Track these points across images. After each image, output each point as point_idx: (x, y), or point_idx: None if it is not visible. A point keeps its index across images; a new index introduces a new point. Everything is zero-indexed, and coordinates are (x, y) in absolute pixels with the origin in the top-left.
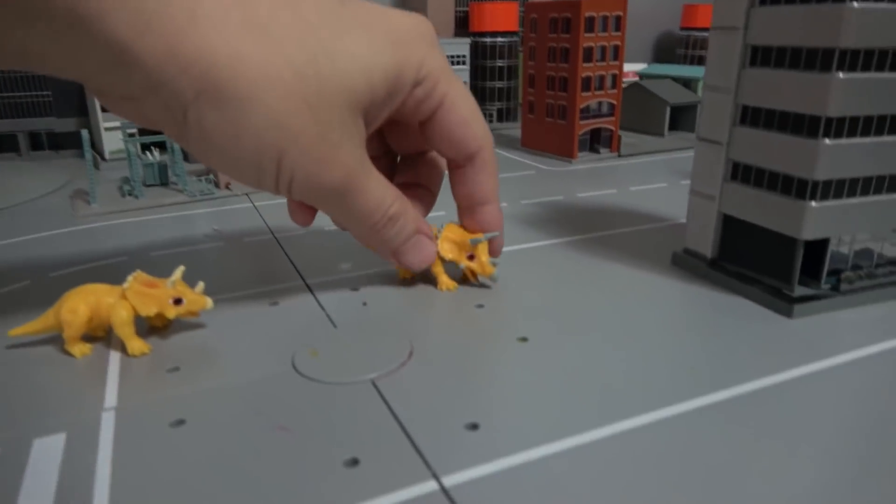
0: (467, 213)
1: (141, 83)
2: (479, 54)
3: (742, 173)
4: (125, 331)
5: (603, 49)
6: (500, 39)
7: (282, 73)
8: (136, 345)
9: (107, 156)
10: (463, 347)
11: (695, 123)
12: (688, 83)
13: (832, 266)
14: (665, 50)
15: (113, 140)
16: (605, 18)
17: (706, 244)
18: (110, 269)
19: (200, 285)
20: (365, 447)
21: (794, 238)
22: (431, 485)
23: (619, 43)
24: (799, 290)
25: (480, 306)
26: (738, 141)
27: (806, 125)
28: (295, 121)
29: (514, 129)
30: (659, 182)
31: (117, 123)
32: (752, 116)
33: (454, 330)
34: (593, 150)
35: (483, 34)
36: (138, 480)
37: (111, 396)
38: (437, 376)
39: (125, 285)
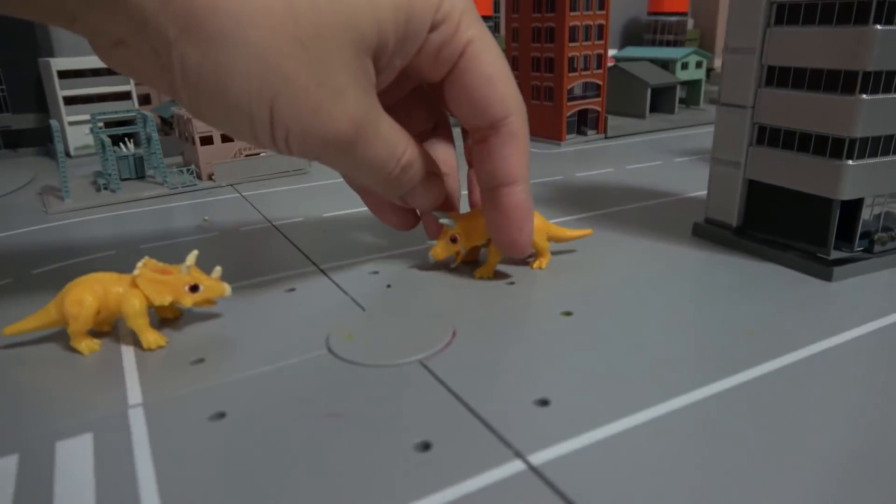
0: (489, 198)
1: (126, 22)
2: None
3: (769, 137)
4: (139, 322)
5: (588, 28)
6: None
7: (269, 6)
8: (151, 337)
9: (72, 151)
10: (506, 324)
11: (674, 104)
12: (665, 65)
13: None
14: (633, 35)
15: (78, 135)
16: None
17: (730, 212)
18: (98, 264)
19: (217, 270)
20: (433, 429)
21: (829, 199)
22: (517, 465)
23: (603, 22)
24: (834, 254)
25: (511, 283)
26: (764, 103)
27: (841, 82)
28: (286, 62)
29: None
30: (653, 160)
31: (83, 117)
32: (779, 77)
33: (492, 307)
34: (580, 132)
35: None
36: (188, 478)
37: (134, 393)
38: (488, 354)
39: (136, 272)
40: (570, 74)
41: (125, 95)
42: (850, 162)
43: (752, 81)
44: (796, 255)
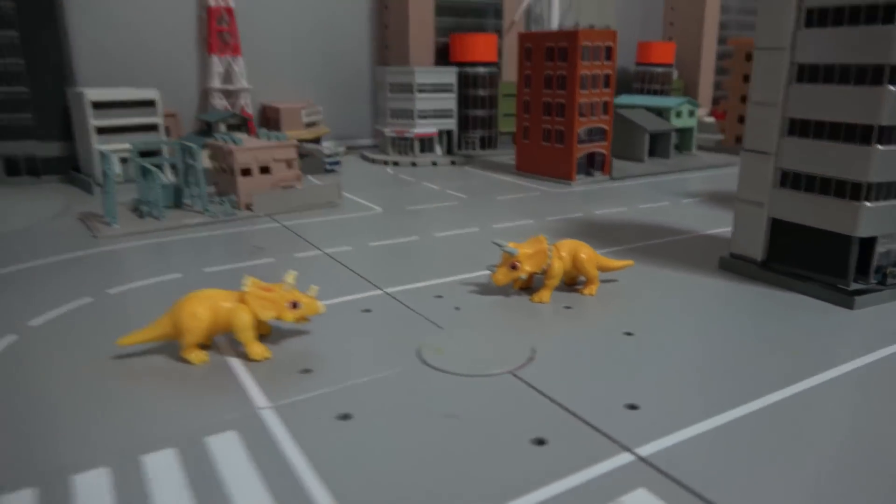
0: None
1: None
2: (462, 83)
3: (792, 180)
4: (248, 335)
5: (595, 77)
6: (480, 70)
7: None
8: (258, 349)
9: (101, 180)
10: (578, 342)
11: (669, 150)
12: (660, 112)
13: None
14: (622, 83)
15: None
16: (597, 49)
17: (755, 248)
18: (169, 286)
19: (314, 289)
20: (544, 428)
21: (849, 236)
22: (626, 456)
23: (610, 72)
24: (853, 285)
25: (568, 307)
26: (787, 151)
27: (858, 134)
28: None
29: (499, 156)
30: (661, 201)
31: (115, 147)
32: (801, 127)
33: (560, 328)
34: (588, 173)
35: (464, 64)
36: (337, 468)
37: (258, 397)
38: (570, 367)
39: (245, 289)
40: (581, 119)
41: (153, 127)
42: (868, 203)
43: (776, 131)
44: (819, 287)
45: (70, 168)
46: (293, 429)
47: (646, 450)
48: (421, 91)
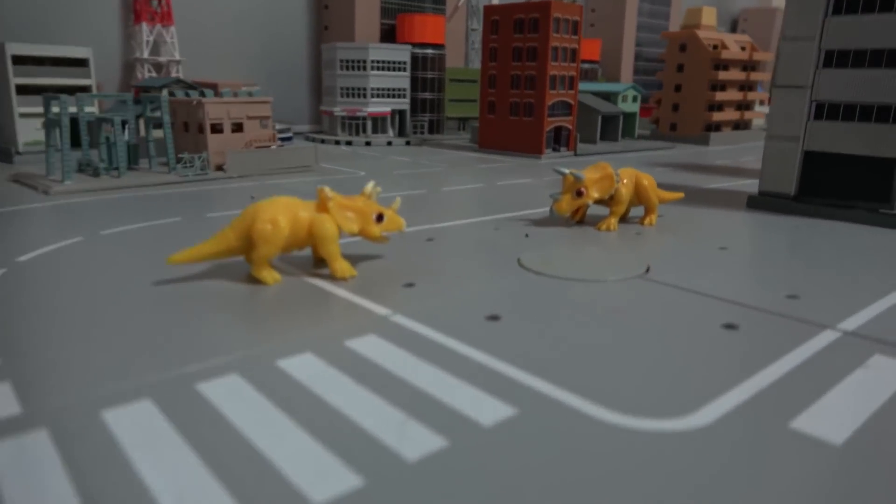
0: None
1: None
2: (411, 65)
3: (828, 111)
4: (332, 249)
5: (565, 50)
6: (429, 51)
7: None
8: (344, 265)
9: (20, 147)
10: (680, 256)
11: (618, 132)
12: (607, 97)
13: None
14: None
15: (28, 129)
16: (566, 21)
17: (787, 183)
18: (171, 227)
19: (397, 201)
20: (729, 316)
21: (892, 160)
22: (831, 333)
23: (576, 46)
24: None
25: (638, 234)
26: (824, 83)
27: None
28: None
29: (450, 140)
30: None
31: (36, 109)
32: (838, 59)
33: (650, 246)
34: (554, 149)
35: (413, 45)
36: (513, 353)
37: (375, 308)
38: (695, 274)
39: (328, 197)
40: (551, 92)
41: (84, 89)
42: None
43: (811, 64)
44: (863, 213)
45: None
46: (443, 327)
47: (847, 325)
48: (374, 69)
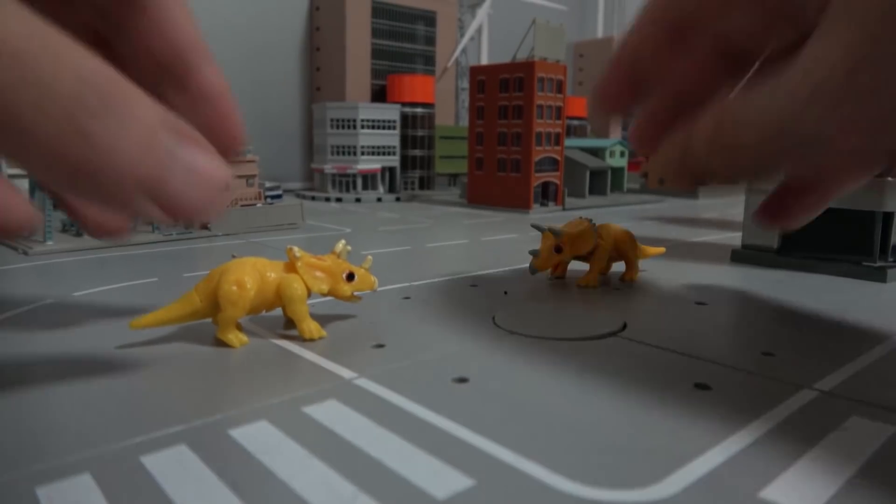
0: (177, 84)
1: None
2: (401, 124)
3: None
4: (300, 309)
5: (550, 108)
6: (419, 110)
7: None
8: (313, 326)
9: None
10: (657, 312)
11: (606, 187)
12: (595, 152)
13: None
14: None
15: None
16: (551, 81)
17: (770, 236)
18: (146, 288)
19: (368, 260)
20: (699, 376)
21: (873, 213)
22: (810, 393)
23: (561, 104)
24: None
25: (617, 289)
26: None
27: None
28: None
29: (440, 195)
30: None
31: (22, 170)
32: None
33: (627, 304)
34: (542, 203)
35: (403, 105)
36: (478, 418)
37: (340, 370)
38: (670, 333)
39: (296, 257)
40: (537, 148)
41: None
42: (890, 179)
43: None
44: (846, 266)
45: None
46: (407, 390)
47: (824, 384)
48: (364, 127)
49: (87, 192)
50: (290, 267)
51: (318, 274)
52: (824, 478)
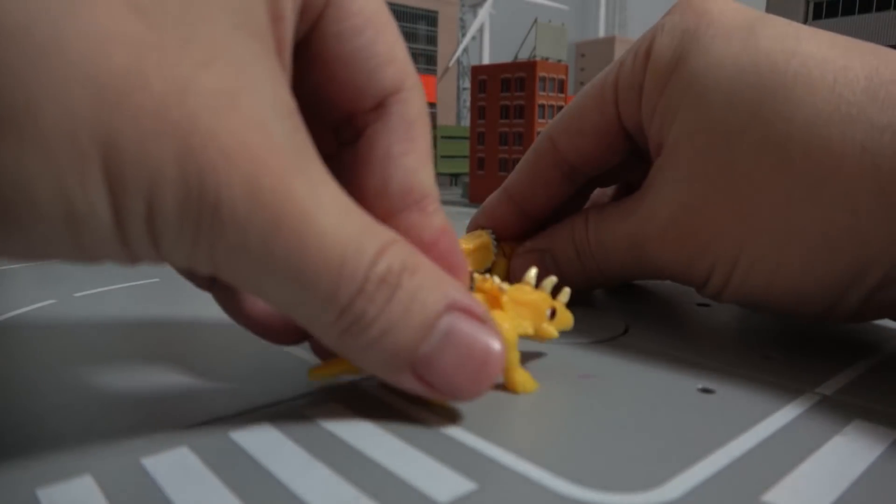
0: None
1: None
2: None
3: None
4: (511, 357)
5: (551, 108)
6: None
7: None
8: (523, 377)
9: None
10: (662, 317)
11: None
12: None
13: None
14: None
15: None
16: (552, 80)
17: None
18: (148, 289)
19: (566, 292)
20: (704, 381)
21: None
22: (813, 396)
23: (563, 104)
24: None
25: (621, 289)
26: None
27: None
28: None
29: (441, 195)
30: None
31: None
32: None
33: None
34: None
35: None
36: (489, 421)
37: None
38: (671, 338)
39: (501, 290)
40: None
41: None
42: None
43: None
44: None
45: None
46: (408, 394)
47: (827, 388)
48: None
49: (360, 361)
50: (492, 302)
51: (522, 311)
52: (827, 482)
